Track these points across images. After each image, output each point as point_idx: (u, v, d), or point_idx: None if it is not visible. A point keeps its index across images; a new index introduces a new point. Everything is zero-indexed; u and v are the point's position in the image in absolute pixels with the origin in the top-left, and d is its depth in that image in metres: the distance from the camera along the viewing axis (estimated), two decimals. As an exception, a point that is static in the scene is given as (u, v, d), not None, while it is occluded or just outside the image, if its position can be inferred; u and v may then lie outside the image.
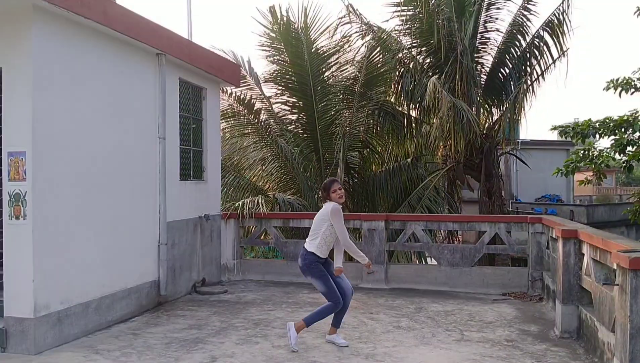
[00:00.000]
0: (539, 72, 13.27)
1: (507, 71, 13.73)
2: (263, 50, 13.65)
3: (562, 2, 13.48)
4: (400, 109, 14.06)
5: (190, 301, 7.99)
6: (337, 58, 13.40)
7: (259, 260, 10.18)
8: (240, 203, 9.93)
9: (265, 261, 9.87)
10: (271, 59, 13.60)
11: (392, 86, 13.78)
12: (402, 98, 13.81)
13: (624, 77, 15.59)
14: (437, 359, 5.41)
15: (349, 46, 13.46)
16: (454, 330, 6.46)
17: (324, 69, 13.32)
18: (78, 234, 6.13)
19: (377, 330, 6.45)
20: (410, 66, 13.22)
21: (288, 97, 13.75)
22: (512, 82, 13.53)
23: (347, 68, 13.54)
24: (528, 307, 7.71)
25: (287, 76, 13.47)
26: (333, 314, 5.92)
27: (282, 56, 13.36)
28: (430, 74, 13.07)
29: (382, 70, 12.92)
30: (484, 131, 13.20)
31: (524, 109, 12.47)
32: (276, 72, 13.62)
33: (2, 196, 5.73)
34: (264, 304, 7.77)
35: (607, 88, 15.75)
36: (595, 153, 17.75)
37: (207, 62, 8.65)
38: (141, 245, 7.31)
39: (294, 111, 13.84)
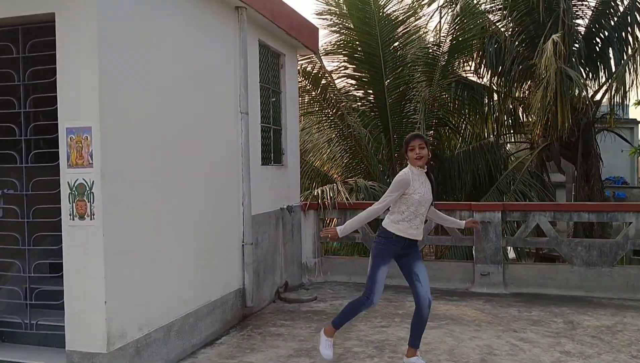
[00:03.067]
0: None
1: (604, 36, 11.92)
2: (322, 19, 12.05)
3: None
4: (481, 82, 12.38)
5: (279, 313, 6.53)
6: (411, 25, 11.74)
7: (344, 258, 8.70)
8: (320, 191, 8.44)
9: (351, 259, 8.39)
10: (334, 28, 11.98)
11: (473, 56, 12.07)
12: (483, 69, 12.13)
13: None
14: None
15: (424, 9, 11.78)
16: (642, 357, 4.91)
17: (395, 38, 11.67)
18: (156, 237, 4.67)
19: (544, 359, 4.90)
20: (502, 30, 11.46)
21: (354, 70, 12.14)
22: (611, 50, 11.74)
23: (423, 36, 11.88)
24: None
25: (353, 46, 11.85)
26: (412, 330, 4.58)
27: (347, 22, 11.73)
28: (519, 42, 11.38)
29: (466, 37, 11.21)
30: (582, 105, 11.44)
31: (629, 82, 10.70)
32: (340, 41, 11.99)
33: (59, 188, 4.27)
34: (371, 317, 6.27)
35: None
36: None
37: (288, 22, 7.10)
38: (224, 246, 5.85)
39: (360, 86, 12.24)
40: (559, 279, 7.36)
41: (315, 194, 8.31)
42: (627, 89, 10.55)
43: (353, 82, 12.28)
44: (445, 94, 12.04)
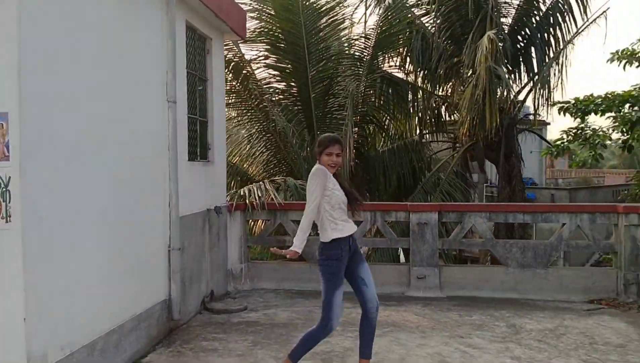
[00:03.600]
0: (566, 40, 12.16)
1: (527, 36, 12.57)
2: (240, 3, 11.74)
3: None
4: (406, 78, 12.63)
5: (207, 325, 6.24)
6: (336, 16, 11.74)
7: (272, 263, 8.50)
8: (246, 190, 8.20)
9: (280, 264, 8.21)
10: (253, 14, 11.73)
11: (400, 52, 12.30)
12: (409, 66, 12.38)
13: (628, 49, 14.97)
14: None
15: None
16: (593, 360, 5.13)
17: (320, 28, 11.63)
18: (78, 242, 4.28)
19: (498, 366, 5.02)
20: (428, 26, 11.75)
21: (276, 61, 11.96)
22: (533, 50, 12.39)
23: (348, 28, 11.94)
24: (637, 320, 6.53)
25: (275, 35, 11.68)
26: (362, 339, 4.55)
27: (268, 8, 11.52)
28: (445, 38, 11.73)
29: (392, 31, 11.38)
30: (506, 105, 11.99)
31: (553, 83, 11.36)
32: (261, 28, 11.76)
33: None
34: (307, 328, 6.12)
35: (611, 60, 15.05)
36: (589, 132, 17.22)
37: (218, 3, 6.82)
38: (149, 252, 5.49)
39: (283, 78, 12.09)
40: (494, 281, 7.63)
41: (242, 194, 8.06)
42: (551, 89, 11.17)
43: (275, 73, 12.10)
44: (370, 90, 12.17)
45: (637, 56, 15.01)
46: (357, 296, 4.48)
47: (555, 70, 11.27)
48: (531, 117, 12.30)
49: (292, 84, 11.95)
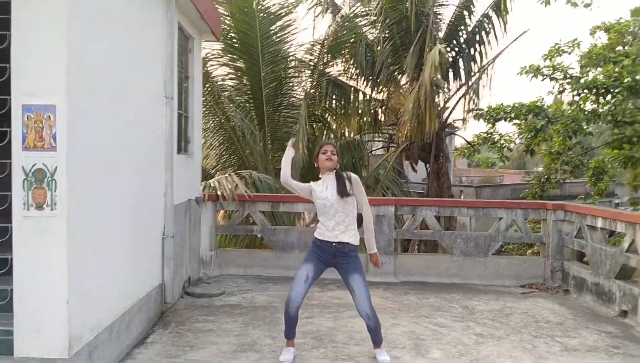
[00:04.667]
0: (488, 57, 12.98)
1: (457, 51, 13.28)
2: (196, 3, 11.64)
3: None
4: (350, 83, 13.00)
5: (194, 308, 6.28)
6: (290, 21, 11.89)
7: (240, 250, 8.58)
8: (216, 182, 8.24)
9: (247, 252, 8.32)
10: (209, 14, 11.63)
11: (346, 58, 12.64)
12: (353, 71, 12.75)
13: (533, 65, 16.17)
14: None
15: (302, 7, 12.03)
16: (540, 336, 5.66)
17: (273, 31, 11.75)
18: (106, 228, 4.29)
19: (466, 341, 5.44)
20: (372, 36, 12.16)
21: (230, 60, 11.95)
22: (461, 61, 13.12)
23: (300, 32, 12.13)
24: (565, 301, 7.20)
25: (231, 34, 11.67)
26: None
27: (225, 9, 11.50)
28: (388, 47, 12.18)
29: (339, 41, 11.70)
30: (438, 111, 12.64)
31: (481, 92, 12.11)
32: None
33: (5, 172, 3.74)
34: (289, 308, 6.34)
35: (521, 73, 16.19)
36: (497, 137, 18.39)
37: (204, 4, 6.84)
38: (148, 239, 5.50)
39: (237, 76, 12.10)
40: (440, 268, 8.13)
41: (212, 185, 8.10)
42: (479, 98, 11.91)
43: (229, 71, 12.10)
44: (317, 92, 12.44)
45: (541, 71, 16.25)
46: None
47: (482, 81, 12.01)
48: (459, 122, 13.06)
49: (246, 82, 12.00)
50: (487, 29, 13.13)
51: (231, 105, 11.52)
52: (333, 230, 4.59)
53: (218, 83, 11.92)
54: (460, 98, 12.78)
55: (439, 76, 10.40)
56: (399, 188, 11.83)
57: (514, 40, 13.06)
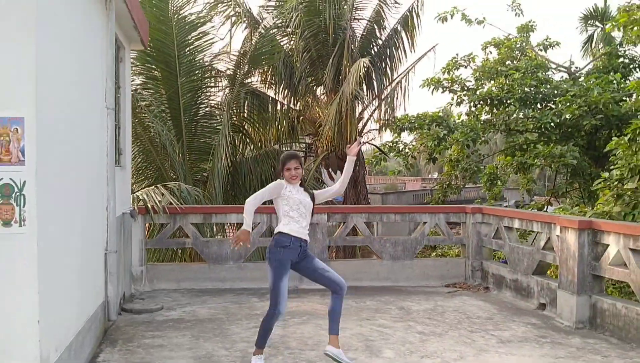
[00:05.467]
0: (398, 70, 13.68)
1: (370, 64, 13.85)
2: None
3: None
4: (268, 93, 13.16)
5: (136, 325, 6.14)
6: (207, 31, 11.86)
7: (171, 264, 8.42)
8: (144, 194, 8.09)
9: (179, 265, 8.20)
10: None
11: (265, 69, 12.80)
12: (271, 81, 12.93)
13: (434, 78, 17.26)
14: (524, 365, 5.04)
15: (221, 19, 12.05)
16: (475, 331, 6.14)
17: (190, 41, 11.68)
18: (67, 243, 4.17)
19: (411, 339, 5.77)
20: (290, 48, 12.40)
21: (144, 69, 11.70)
22: (374, 74, 13.70)
23: (218, 42, 12.12)
24: (487, 298, 7.80)
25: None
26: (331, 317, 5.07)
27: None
28: (305, 60, 12.50)
29: (261, 51, 11.85)
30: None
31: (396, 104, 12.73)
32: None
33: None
34: (237, 321, 6.39)
35: (423, 86, 17.18)
36: (401, 146, 19.36)
37: (137, 14, 6.75)
38: (95, 254, 5.35)
39: (153, 85, 11.86)
40: (371, 272, 8.49)
41: (141, 198, 7.94)
42: (393, 109, 12.52)
43: (145, 80, 11.85)
44: (234, 101, 12.47)
45: (441, 83, 17.32)
46: (327, 286, 4.94)
47: (396, 92, 12.64)
48: (374, 133, 13.63)
49: (163, 92, 11.80)
50: (397, 44, 13.83)
51: (149, 115, 11.26)
52: (304, 228, 4.79)
53: (134, 92, 11.61)
54: (375, 109, 13.34)
55: (358, 88, 10.84)
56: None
57: (424, 54, 13.80)
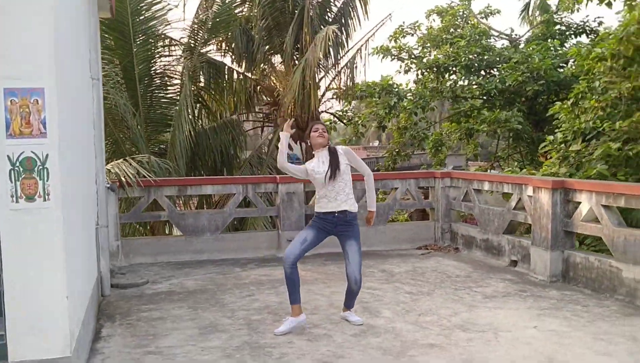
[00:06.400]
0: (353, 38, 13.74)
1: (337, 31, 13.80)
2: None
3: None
4: (226, 62, 12.97)
5: (127, 299, 6.07)
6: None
7: (147, 238, 8.28)
8: (116, 167, 7.87)
9: (156, 239, 8.07)
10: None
11: (223, 38, 12.54)
12: (227, 49, 12.71)
13: (383, 46, 17.48)
14: (514, 320, 5.35)
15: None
16: (459, 288, 6.44)
17: (145, 7, 11.26)
18: (79, 216, 4.09)
19: (402, 299, 6.01)
20: (247, 16, 12.20)
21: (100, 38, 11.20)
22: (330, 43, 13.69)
23: (174, 9, 11.77)
24: (459, 258, 8.16)
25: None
26: (347, 297, 5.25)
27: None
28: (264, 27, 12.35)
29: (219, 19, 11.59)
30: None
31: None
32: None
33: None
34: (228, 291, 6.42)
35: (373, 54, 17.37)
36: (352, 115, 19.59)
37: (111, -20, 6.50)
38: (88, 229, 5.24)
39: (108, 54, 11.38)
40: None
41: (114, 171, 7.73)
42: (353, 78, 12.60)
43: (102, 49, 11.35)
44: (192, 71, 12.20)
45: (390, 51, 17.56)
46: (346, 273, 5.09)
47: (356, 60, 12.71)
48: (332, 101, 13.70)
49: (117, 61, 11.39)
50: (351, 13, 13.86)
51: (106, 85, 10.85)
52: (335, 200, 4.88)
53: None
54: (334, 78, 13.40)
55: (320, 55, 10.85)
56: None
57: (382, 23, 13.90)
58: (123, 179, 7.62)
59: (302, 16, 11.87)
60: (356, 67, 12.67)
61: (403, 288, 6.47)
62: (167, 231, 10.76)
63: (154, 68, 11.84)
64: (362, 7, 14.20)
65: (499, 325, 5.13)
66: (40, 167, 3.35)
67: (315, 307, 5.72)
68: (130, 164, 8.01)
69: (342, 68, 13.02)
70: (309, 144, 5.15)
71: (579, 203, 6.53)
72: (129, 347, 4.62)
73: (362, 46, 12.95)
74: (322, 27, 12.92)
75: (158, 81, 11.95)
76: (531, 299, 5.98)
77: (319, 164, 4.97)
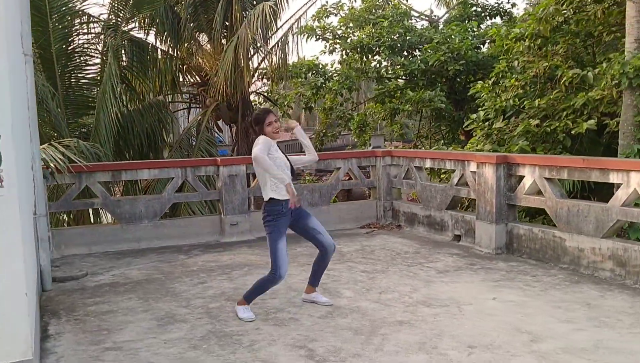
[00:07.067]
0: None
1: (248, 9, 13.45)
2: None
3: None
4: (148, 40, 12.31)
5: (69, 293, 5.64)
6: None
7: (80, 227, 7.68)
8: (42, 153, 7.27)
9: (89, 228, 7.53)
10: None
11: (149, 15, 11.88)
12: (150, 27, 12.08)
13: (308, 26, 17.40)
14: (473, 293, 5.45)
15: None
16: (412, 265, 6.49)
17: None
18: (25, 207, 3.71)
19: (359, 278, 5.97)
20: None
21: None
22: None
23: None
24: (403, 235, 8.25)
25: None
26: (315, 273, 5.18)
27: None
28: (190, 2, 11.82)
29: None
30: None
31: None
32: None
33: None
34: (177, 279, 6.12)
35: (298, 34, 17.23)
36: (277, 96, 19.42)
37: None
38: (30, 219, 4.79)
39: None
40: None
41: (42, 157, 7.14)
42: (286, 57, 12.35)
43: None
44: (115, 50, 11.51)
45: (315, 31, 17.48)
46: (316, 245, 4.95)
47: (287, 40, 12.47)
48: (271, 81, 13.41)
49: (33, 39, 10.49)
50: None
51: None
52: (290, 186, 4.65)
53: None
54: (264, 57, 13.10)
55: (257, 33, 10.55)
56: (215, 148, 11.80)
57: (313, 1, 13.70)
58: (52, 165, 7.06)
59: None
60: (288, 46, 12.40)
61: (357, 267, 6.44)
62: (92, 220, 10.20)
63: (72, 47, 11.08)
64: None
65: (460, 298, 5.20)
66: (-14, 148, 2.97)
67: (274, 291, 5.52)
68: (57, 149, 7.44)
69: (272, 47, 12.73)
70: (262, 133, 4.79)
71: (522, 176, 6.74)
72: (82, 344, 4.29)
73: (293, 24, 12.71)
74: (252, 3, 12.63)
75: (77, 61, 11.19)
76: (482, 272, 6.12)
77: (277, 148, 4.78)
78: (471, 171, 7.37)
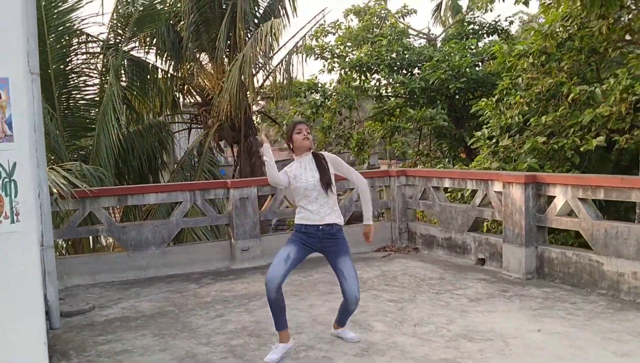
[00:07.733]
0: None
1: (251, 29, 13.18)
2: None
3: None
4: (149, 60, 11.96)
5: (78, 330, 5.21)
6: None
7: (84, 256, 7.24)
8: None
9: (93, 256, 7.11)
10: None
11: (147, 35, 11.57)
12: (150, 47, 11.75)
13: (307, 44, 17.18)
14: (514, 323, 5.08)
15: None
16: (440, 292, 6.11)
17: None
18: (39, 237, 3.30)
19: (389, 309, 5.59)
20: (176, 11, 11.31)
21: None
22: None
23: (94, 3, 10.67)
24: (422, 258, 7.89)
25: None
26: (340, 315, 4.71)
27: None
28: (192, 23, 11.52)
29: (145, 14, 10.64)
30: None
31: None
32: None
33: None
34: (191, 312, 5.71)
35: (296, 53, 16.99)
36: (275, 116, 19.15)
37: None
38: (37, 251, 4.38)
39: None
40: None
41: (43, 182, 6.74)
42: (290, 76, 12.06)
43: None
44: (115, 70, 11.16)
45: (313, 50, 17.33)
46: (340, 288, 4.50)
47: (292, 58, 12.17)
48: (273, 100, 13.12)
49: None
50: (281, 11, 13.29)
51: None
52: (318, 213, 4.28)
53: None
54: (267, 76, 12.80)
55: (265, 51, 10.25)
56: (217, 169, 11.43)
57: (317, 21, 13.53)
58: (55, 190, 6.66)
59: (234, 11, 11.16)
60: (292, 65, 12.08)
61: (382, 296, 6.06)
62: (91, 246, 9.76)
63: (70, 67, 10.72)
64: (290, 3, 13.66)
65: (502, 331, 4.83)
66: (7, 179, 2.60)
67: (299, 325, 5.16)
68: (59, 173, 7.04)
69: (276, 66, 12.43)
70: (291, 147, 4.49)
71: (553, 197, 6.42)
72: (100, 391, 3.87)
73: (298, 42, 12.43)
74: (255, 23, 12.33)
75: (75, 81, 10.82)
76: (516, 299, 5.75)
77: (300, 171, 4.40)
78: (495, 191, 7.05)
